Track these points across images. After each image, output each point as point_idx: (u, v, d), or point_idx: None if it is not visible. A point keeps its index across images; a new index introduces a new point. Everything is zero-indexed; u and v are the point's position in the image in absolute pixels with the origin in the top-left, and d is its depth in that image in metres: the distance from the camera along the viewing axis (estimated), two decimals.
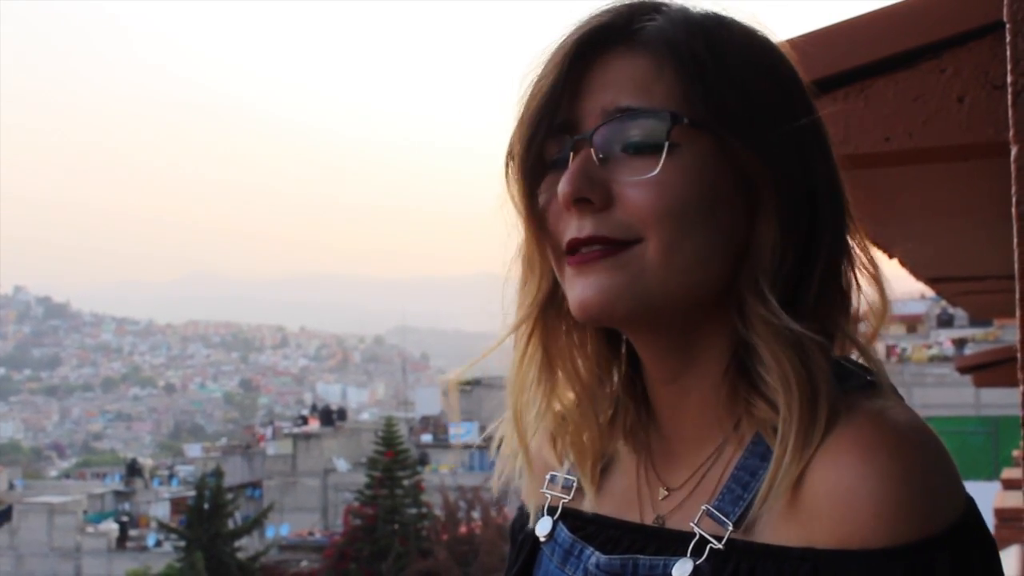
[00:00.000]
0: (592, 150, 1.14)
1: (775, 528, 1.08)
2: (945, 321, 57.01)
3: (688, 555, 1.13)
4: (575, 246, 1.15)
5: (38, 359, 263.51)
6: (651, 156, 1.12)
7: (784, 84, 1.19)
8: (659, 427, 1.27)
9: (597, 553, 1.24)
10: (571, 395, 1.30)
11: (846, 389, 1.11)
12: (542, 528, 1.34)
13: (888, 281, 1.24)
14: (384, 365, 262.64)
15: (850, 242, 1.22)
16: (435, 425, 57.85)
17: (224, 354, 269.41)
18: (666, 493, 1.23)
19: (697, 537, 1.13)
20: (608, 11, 1.19)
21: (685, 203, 1.11)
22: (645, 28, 1.16)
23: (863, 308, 1.23)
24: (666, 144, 1.11)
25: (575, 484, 1.34)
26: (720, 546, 1.10)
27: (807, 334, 1.11)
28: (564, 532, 1.31)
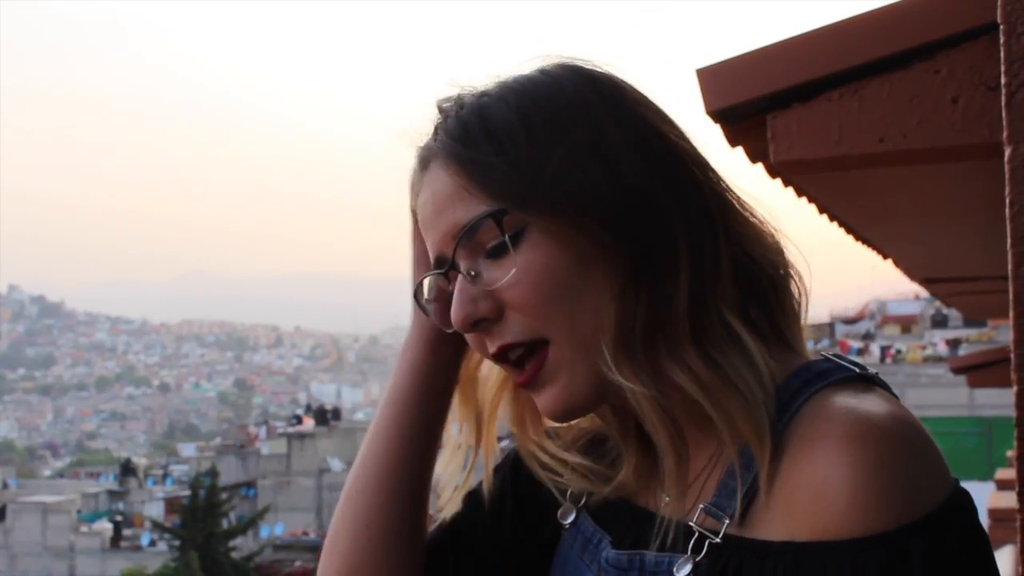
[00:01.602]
0: (462, 275, 1.20)
1: (762, 523, 1.09)
2: (939, 322, 57.04)
3: (689, 552, 1.15)
4: (498, 358, 1.22)
5: (32, 358, 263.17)
6: (505, 256, 1.16)
7: (583, 130, 1.18)
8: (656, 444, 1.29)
9: (610, 547, 1.27)
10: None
11: (826, 384, 1.12)
12: (565, 515, 1.37)
13: (775, 229, 1.25)
14: (379, 365, 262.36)
15: (742, 234, 1.22)
16: None
17: (219, 353, 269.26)
18: (667, 499, 1.24)
19: (697, 534, 1.15)
20: (430, 131, 1.26)
21: (554, 280, 1.15)
22: (437, 141, 1.22)
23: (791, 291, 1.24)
24: (507, 239, 1.16)
25: (601, 471, 1.36)
26: (718, 540, 1.12)
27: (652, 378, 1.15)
28: (586, 521, 1.34)
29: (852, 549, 1.02)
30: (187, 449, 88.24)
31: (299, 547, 47.90)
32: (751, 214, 1.24)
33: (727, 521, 1.12)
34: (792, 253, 1.26)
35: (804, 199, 2.75)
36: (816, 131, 2.10)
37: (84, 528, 55.33)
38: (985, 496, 10.76)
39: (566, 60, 1.25)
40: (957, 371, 11.78)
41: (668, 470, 1.19)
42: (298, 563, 43.99)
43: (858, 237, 3.85)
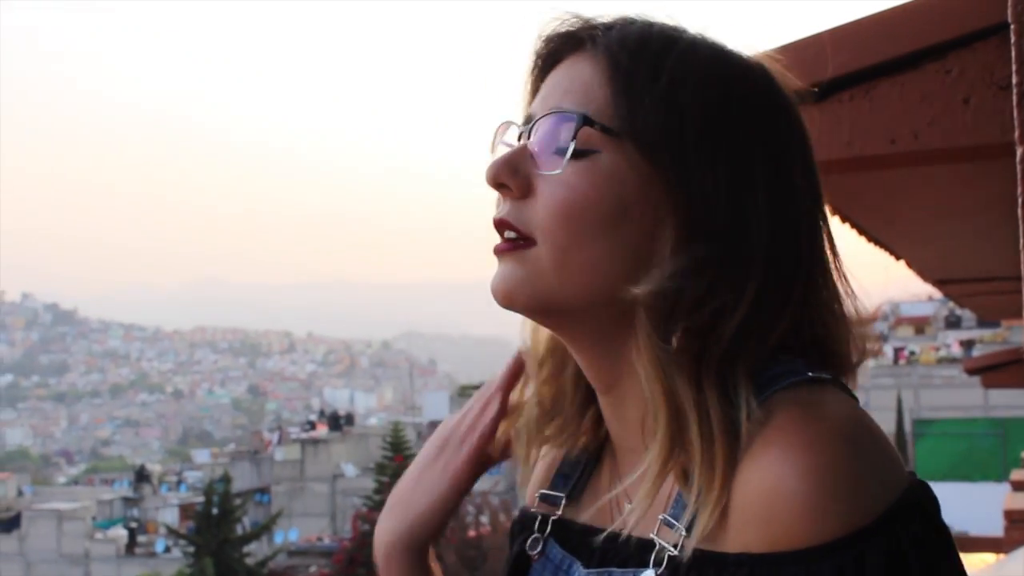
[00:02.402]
0: (528, 143, 1.19)
1: (717, 535, 1.07)
2: (953, 323, 56.89)
3: (651, 565, 1.13)
4: (496, 226, 1.20)
5: (46, 366, 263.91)
6: (563, 158, 1.15)
7: (739, 119, 1.15)
8: (611, 436, 1.28)
9: (581, 568, 1.25)
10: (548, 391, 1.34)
11: (778, 388, 1.09)
12: (533, 546, 1.34)
13: (861, 305, 1.21)
14: (391, 370, 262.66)
15: (823, 281, 1.18)
16: None
17: (232, 360, 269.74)
18: (630, 504, 1.20)
19: (657, 546, 1.13)
20: (577, 19, 1.22)
21: (585, 207, 1.13)
22: (596, 38, 1.18)
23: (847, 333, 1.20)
24: (572, 144, 1.14)
25: (563, 501, 1.34)
26: (676, 552, 1.10)
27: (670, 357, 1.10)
28: (555, 548, 1.32)
29: (806, 559, 1.00)
30: (201, 455, 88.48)
31: (313, 553, 47.90)
32: (839, 291, 1.20)
33: (683, 533, 1.10)
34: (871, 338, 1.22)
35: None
36: (827, 133, 2.10)
37: (99, 535, 55.42)
38: (1001, 498, 10.72)
39: (772, 63, 1.22)
40: (971, 372, 11.75)
41: (650, 470, 1.12)
42: (312, 568, 44.03)
43: (870, 238, 3.83)
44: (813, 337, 1.17)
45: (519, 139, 1.22)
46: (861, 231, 3.69)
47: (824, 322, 1.18)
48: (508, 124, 1.25)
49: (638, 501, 1.15)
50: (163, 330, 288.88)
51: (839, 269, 1.21)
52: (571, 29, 1.21)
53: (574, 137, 1.14)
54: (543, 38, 1.23)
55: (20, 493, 68.94)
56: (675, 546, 1.11)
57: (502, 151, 1.23)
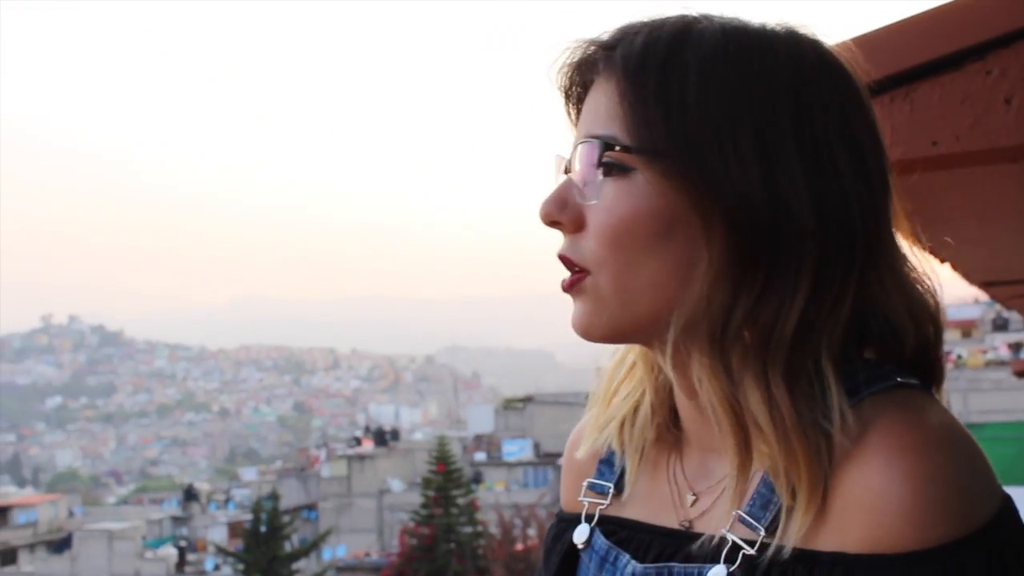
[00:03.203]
0: (571, 175, 1.18)
1: (808, 534, 1.06)
2: (1000, 325, 56.42)
3: (722, 562, 1.12)
4: (560, 258, 1.19)
5: (94, 387, 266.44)
6: (608, 180, 1.14)
7: (762, 105, 1.11)
8: (685, 433, 1.28)
9: (633, 561, 1.24)
10: (650, 392, 1.32)
11: (872, 392, 1.09)
12: (579, 535, 1.34)
13: (935, 296, 1.19)
14: (436, 384, 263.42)
15: (889, 264, 1.15)
16: (488, 443, 57.91)
17: (277, 377, 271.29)
18: (694, 498, 1.23)
19: (730, 543, 1.12)
20: (611, 32, 1.20)
21: (629, 229, 1.12)
22: (607, 58, 1.17)
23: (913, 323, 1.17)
24: (599, 170, 1.13)
25: (611, 490, 1.34)
26: (752, 551, 1.10)
27: (733, 367, 1.09)
28: (601, 539, 1.31)
29: (907, 563, 1.00)
30: (248, 473, 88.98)
31: (361, 568, 48.06)
32: (912, 280, 1.18)
33: (762, 532, 1.10)
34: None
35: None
36: None
37: (149, 554, 55.88)
38: None
39: (798, 29, 1.17)
40: (1021, 374, 11.63)
41: (732, 476, 1.12)
42: None
43: (914, 241, 3.81)
44: (886, 322, 1.15)
45: (565, 172, 1.20)
46: (904, 234, 3.66)
47: (893, 305, 1.15)
48: (561, 159, 1.23)
49: (724, 499, 1.15)
50: (208, 349, 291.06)
51: (901, 264, 1.18)
52: (581, 58, 1.20)
53: (600, 162, 1.13)
54: (560, 71, 1.22)
55: (71, 514, 69.55)
56: (751, 544, 1.10)
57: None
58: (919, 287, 1.18)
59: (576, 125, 1.23)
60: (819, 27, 1.11)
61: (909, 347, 1.16)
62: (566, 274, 1.19)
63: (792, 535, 1.07)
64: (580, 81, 1.22)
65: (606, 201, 1.13)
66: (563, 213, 1.17)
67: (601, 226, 1.13)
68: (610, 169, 1.13)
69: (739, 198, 1.08)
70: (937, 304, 1.19)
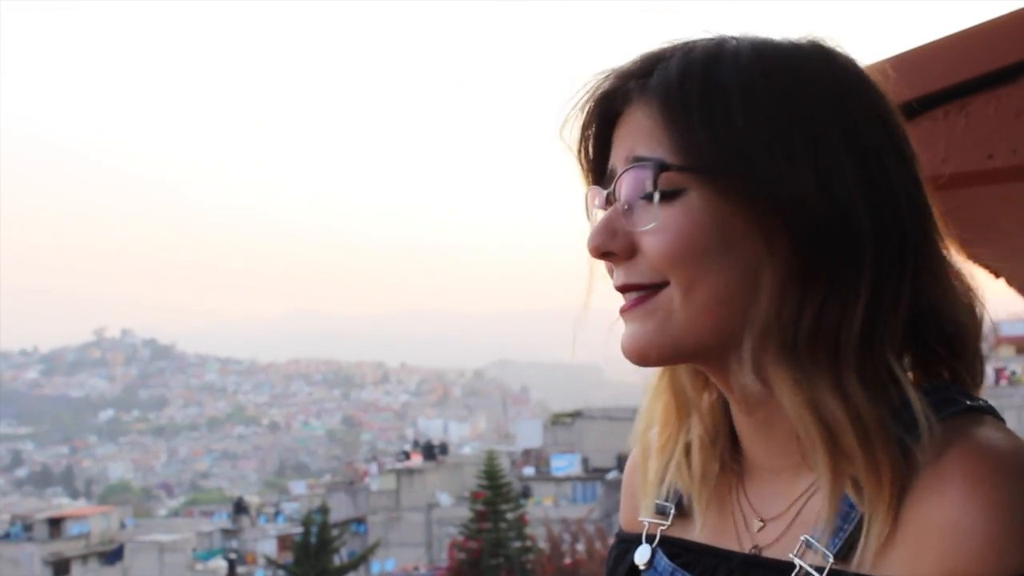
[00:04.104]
0: (617, 203, 1.18)
1: (880, 561, 1.06)
2: None
3: None
4: (619, 291, 1.19)
5: (146, 400, 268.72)
6: (656, 206, 1.14)
7: (807, 117, 1.12)
8: (748, 457, 1.26)
9: None
10: (698, 422, 1.31)
11: (943, 416, 1.09)
12: (641, 556, 1.33)
13: (981, 304, 1.20)
14: (484, 399, 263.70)
15: (935, 269, 1.17)
16: (537, 458, 57.83)
17: (326, 391, 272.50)
18: (761, 524, 1.22)
19: (798, 568, 1.12)
20: (636, 60, 1.20)
21: (692, 247, 1.12)
22: (652, 77, 1.17)
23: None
24: (656, 193, 1.13)
25: (672, 511, 1.33)
26: None
27: (816, 382, 1.10)
28: (664, 560, 1.30)
29: None
30: (298, 487, 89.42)
31: None
32: (953, 277, 1.19)
33: (831, 559, 1.09)
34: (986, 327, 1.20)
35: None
36: (922, 151, 2.05)
37: (199, 566, 56.24)
38: None
39: (825, 42, 1.19)
40: None
41: (822, 486, 1.11)
42: None
43: (968, 256, 3.77)
44: (938, 324, 1.16)
45: (607, 202, 1.19)
46: (958, 249, 3.63)
47: (945, 307, 1.17)
48: (596, 190, 1.23)
49: (796, 524, 1.15)
50: (258, 363, 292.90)
51: (946, 263, 1.19)
52: (608, 89, 1.20)
53: (655, 185, 1.13)
54: (580, 107, 1.22)
55: (122, 526, 70.06)
56: (820, 570, 1.10)
57: (596, 218, 1.23)
58: (964, 290, 1.19)
59: (589, 161, 1.24)
60: (842, 42, 1.24)
61: (964, 347, 1.18)
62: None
63: (865, 559, 1.07)
64: (602, 114, 1.22)
65: (663, 223, 1.13)
66: (614, 242, 1.16)
67: (659, 247, 1.13)
68: (663, 192, 1.13)
69: (796, 207, 1.10)
70: (981, 306, 1.20)
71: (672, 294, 1.14)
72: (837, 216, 1.10)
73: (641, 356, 1.17)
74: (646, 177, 1.14)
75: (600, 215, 1.21)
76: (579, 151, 1.25)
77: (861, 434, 1.07)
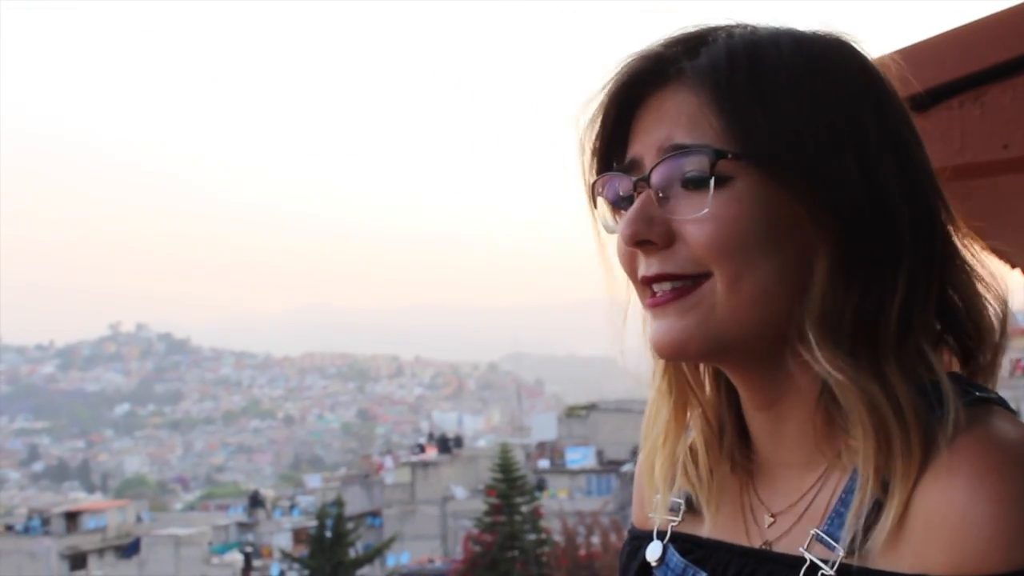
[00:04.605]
0: (651, 190, 1.15)
1: (886, 554, 1.06)
2: None
3: None
4: (647, 283, 1.16)
5: (161, 394, 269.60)
6: (704, 192, 1.11)
7: (848, 106, 1.13)
8: (758, 453, 1.26)
9: None
10: (700, 420, 1.30)
11: (953, 409, 1.08)
12: (652, 552, 1.33)
13: (1005, 292, 1.20)
14: (499, 392, 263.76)
15: (957, 258, 1.17)
16: (551, 450, 57.86)
17: (341, 385, 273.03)
18: (772, 519, 1.22)
19: (808, 562, 1.11)
20: (664, 43, 1.18)
21: (742, 236, 1.11)
22: (691, 62, 1.14)
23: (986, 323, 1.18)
24: (712, 179, 1.11)
25: (682, 507, 1.33)
26: (831, 572, 1.09)
27: (855, 372, 1.09)
28: (676, 556, 1.30)
29: None
30: (313, 480, 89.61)
31: (425, 575, 48.22)
32: (974, 266, 1.19)
33: (841, 552, 1.09)
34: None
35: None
36: (937, 141, 2.06)
37: (215, 560, 56.44)
38: None
39: (842, 35, 1.18)
40: None
41: (862, 476, 1.10)
42: None
43: (984, 247, 3.76)
44: (966, 313, 1.17)
45: (635, 188, 1.17)
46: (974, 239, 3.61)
47: (970, 290, 1.17)
48: (609, 176, 1.20)
49: (825, 509, 1.14)
50: (273, 357, 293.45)
51: (969, 254, 1.19)
52: (645, 68, 1.17)
53: (712, 172, 1.11)
54: (621, 80, 1.19)
55: (139, 519, 70.40)
56: (830, 564, 1.10)
57: (605, 208, 1.21)
58: (989, 279, 1.19)
59: (605, 148, 1.21)
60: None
61: (989, 338, 1.18)
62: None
63: (873, 552, 1.06)
64: (623, 100, 1.19)
65: (712, 212, 1.11)
66: (652, 230, 1.14)
67: (709, 235, 1.11)
68: (706, 179, 1.11)
69: (846, 196, 1.09)
70: (1006, 296, 1.20)
71: (715, 287, 1.12)
72: (880, 206, 1.10)
73: (680, 351, 1.16)
74: (689, 164, 1.12)
75: (605, 206, 1.20)
76: (597, 137, 1.22)
77: (900, 421, 1.06)
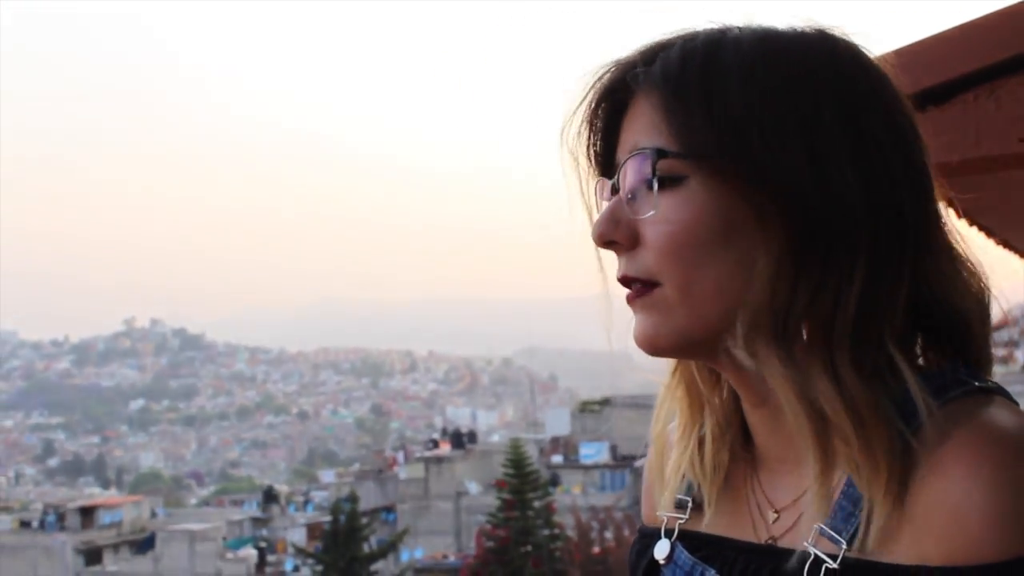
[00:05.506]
0: (621, 193, 1.18)
1: (887, 545, 1.06)
2: None
3: (804, 575, 1.12)
4: (621, 283, 1.20)
5: (175, 390, 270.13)
6: (657, 194, 1.14)
7: (801, 99, 1.13)
8: (759, 449, 1.27)
9: None
10: (711, 416, 1.31)
11: (949, 398, 1.08)
12: (661, 550, 1.34)
13: (986, 281, 1.20)
14: (513, 387, 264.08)
15: (934, 250, 1.16)
16: (565, 446, 57.88)
17: (355, 380, 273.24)
18: (776, 515, 1.23)
19: (812, 557, 1.11)
20: (638, 50, 1.21)
21: (688, 236, 1.13)
22: (654, 66, 1.17)
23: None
24: (655, 180, 1.14)
25: (689, 504, 1.33)
26: (835, 565, 1.09)
27: (803, 366, 1.10)
28: (684, 554, 1.30)
29: (990, 574, 0.99)
30: (327, 475, 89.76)
31: (439, 570, 48.29)
32: (959, 262, 1.18)
33: (844, 545, 1.09)
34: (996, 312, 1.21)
35: (942, 203, 2.68)
36: (952, 134, 2.05)
37: (230, 555, 56.60)
38: None
39: (830, 30, 1.19)
40: None
41: (815, 474, 1.11)
42: None
43: (999, 241, 3.74)
44: (944, 308, 1.16)
45: (612, 192, 1.21)
46: (989, 233, 3.60)
47: (950, 291, 1.16)
48: (603, 182, 1.24)
49: (811, 508, 1.14)
50: (287, 352, 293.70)
51: (952, 250, 1.19)
52: (615, 77, 1.21)
53: (653, 172, 1.14)
54: (597, 92, 1.23)
55: (153, 515, 70.60)
56: (834, 558, 1.10)
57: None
58: (970, 275, 1.19)
59: (597, 155, 1.26)
60: (851, 32, 1.25)
61: (970, 333, 1.17)
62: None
63: (873, 545, 1.07)
64: (609, 107, 1.23)
65: (662, 211, 1.14)
66: (617, 231, 1.17)
67: (660, 237, 1.14)
68: (662, 180, 1.14)
69: (790, 191, 1.10)
70: (987, 291, 1.20)
71: (665, 293, 1.15)
72: (831, 200, 1.11)
73: (653, 346, 1.19)
74: (644, 166, 1.15)
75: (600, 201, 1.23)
76: (588, 145, 1.26)
77: (855, 417, 1.07)
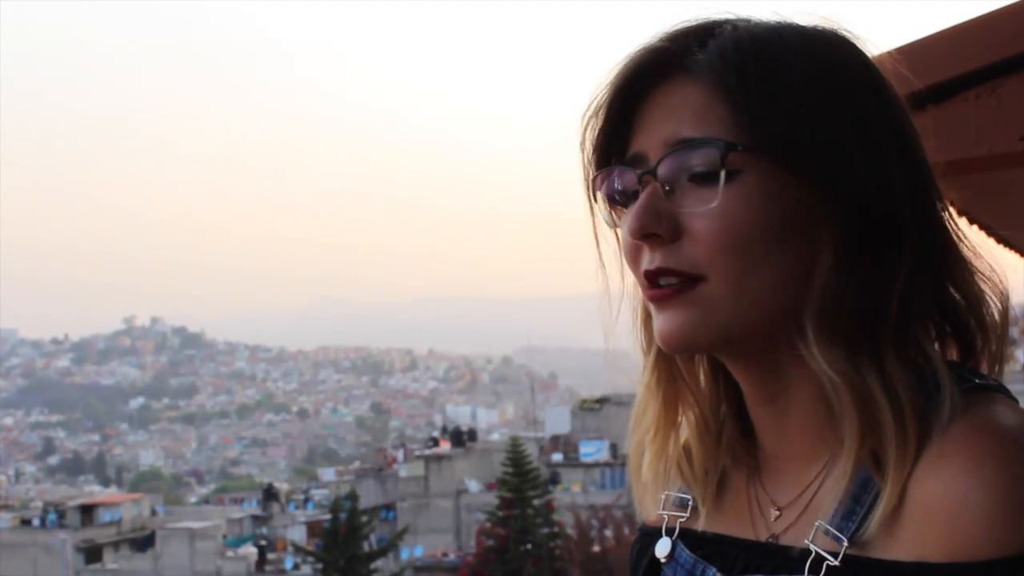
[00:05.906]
0: (657, 183, 1.15)
1: (888, 543, 1.06)
2: None
3: (806, 573, 1.12)
4: (649, 276, 1.16)
5: (175, 388, 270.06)
6: (712, 186, 1.11)
7: (853, 99, 1.14)
8: (762, 446, 1.27)
9: (719, 574, 1.24)
10: (692, 416, 1.30)
11: (949, 395, 1.08)
12: (662, 549, 1.33)
13: (1005, 282, 1.20)
14: (513, 385, 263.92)
15: (955, 250, 1.18)
16: (565, 444, 57.86)
17: (355, 378, 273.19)
18: (777, 512, 1.22)
19: (813, 554, 1.12)
20: (667, 36, 1.18)
21: (748, 232, 1.11)
22: (698, 54, 1.14)
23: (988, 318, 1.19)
24: (723, 173, 1.11)
25: (690, 503, 1.33)
26: (836, 563, 1.09)
27: (851, 364, 1.10)
28: (685, 552, 1.30)
29: (989, 571, 0.99)
30: (327, 473, 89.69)
31: (439, 568, 48.28)
32: (971, 258, 1.19)
33: (846, 543, 1.09)
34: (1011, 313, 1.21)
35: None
36: (953, 132, 2.05)
37: (230, 553, 56.60)
38: None
39: (839, 30, 1.19)
40: None
41: (844, 471, 1.11)
42: None
43: (999, 239, 3.74)
44: (968, 304, 1.17)
45: (639, 182, 1.17)
46: (989, 232, 3.60)
47: (969, 282, 1.18)
48: (609, 171, 1.21)
49: (823, 505, 1.13)
50: (287, 350, 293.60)
51: (966, 245, 1.20)
52: (667, 48, 1.17)
53: (724, 165, 1.11)
54: (626, 75, 1.19)
55: (153, 513, 70.61)
56: (835, 555, 1.10)
57: (603, 203, 1.22)
58: (989, 273, 1.20)
59: (608, 143, 1.21)
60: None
61: (986, 332, 1.18)
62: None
63: (874, 542, 1.07)
64: (638, 86, 1.18)
65: (721, 205, 1.11)
66: (659, 224, 1.14)
67: (714, 231, 1.12)
68: (716, 173, 1.12)
69: (853, 189, 1.11)
70: (1007, 291, 1.20)
71: (712, 289, 1.13)
72: (885, 197, 1.12)
73: (684, 345, 1.16)
74: (698, 157, 1.12)
75: (625, 199, 1.19)
76: (599, 132, 1.22)
77: (896, 406, 1.07)
